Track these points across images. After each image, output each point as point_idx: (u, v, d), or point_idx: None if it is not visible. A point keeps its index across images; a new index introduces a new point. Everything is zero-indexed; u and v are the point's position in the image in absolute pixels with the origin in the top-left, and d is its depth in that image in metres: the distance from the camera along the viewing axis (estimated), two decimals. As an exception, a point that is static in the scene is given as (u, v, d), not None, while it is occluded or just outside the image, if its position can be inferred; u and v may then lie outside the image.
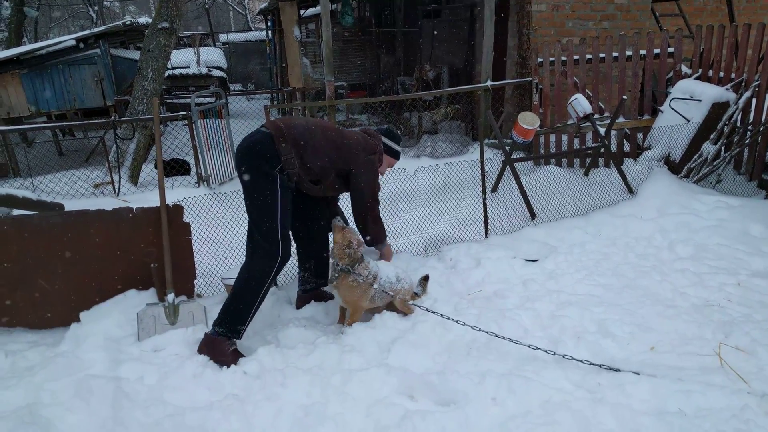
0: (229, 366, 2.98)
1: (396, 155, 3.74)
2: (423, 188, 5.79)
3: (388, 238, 3.76)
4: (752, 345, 2.98)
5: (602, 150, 5.78)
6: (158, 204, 3.59)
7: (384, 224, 3.65)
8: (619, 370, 2.77)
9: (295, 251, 3.69)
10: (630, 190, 5.50)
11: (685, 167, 5.61)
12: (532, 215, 5.15)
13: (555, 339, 3.16)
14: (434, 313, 3.28)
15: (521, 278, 3.99)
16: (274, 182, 3.09)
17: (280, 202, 3.09)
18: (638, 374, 2.72)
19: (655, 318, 3.36)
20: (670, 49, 6.44)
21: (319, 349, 3.12)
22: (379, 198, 3.55)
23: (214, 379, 2.87)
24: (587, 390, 2.68)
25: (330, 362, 2.99)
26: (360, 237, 3.42)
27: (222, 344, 3.09)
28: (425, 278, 3.76)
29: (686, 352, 3.00)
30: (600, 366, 2.78)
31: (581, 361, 2.85)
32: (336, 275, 3.30)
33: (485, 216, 4.84)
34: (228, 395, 2.75)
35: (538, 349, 2.94)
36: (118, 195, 7.01)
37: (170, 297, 3.44)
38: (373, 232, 3.55)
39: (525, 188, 5.19)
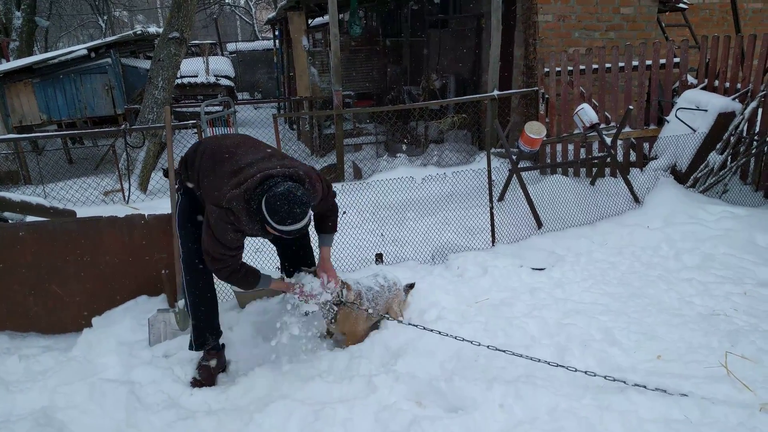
0: (192, 383, 2.98)
1: (273, 229, 2.65)
2: (430, 197, 5.83)
3: (265, 279, 2.97)
4: (758, 354, 2.99)
5: (608, 159, 5.81)
6: (169, 211, 3.66)
7: (246, 277, 2.89)
8: (624, 382, 2.78)
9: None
10: (636, 200, 5.52)
11: (692, 177, 5.62)
12: (539, 224, 5.18)
13: (562, 347, 3.18)
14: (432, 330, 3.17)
15: (528, 286, 4.02)
16: (181, 194, 3.10)
17: (179, 207, 3.08)
18: (644, 387, 2.73)
19: (661, 326, 3.38)
20: (676, 60, 6.47)
21: (328, 355, 3.16)
22: (221, 260, 2.75)
23: (225, 384, 2.91)
24: (594, 397, 2.70)
25: (339, 368, 3.03)
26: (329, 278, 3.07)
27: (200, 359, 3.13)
28: (410, 286, 3.77)
29: (692, 360, 3.01)
30: (605, 377, 2.78)
31: (585, 372, 2.85)
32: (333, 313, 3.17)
33: (492, 225, 4.87)
34: (239, 399, 2.79)
35: (540, 360, 2.92)
36: (127, 202, 7.08)
37: (181, 303, 3.47)
38: (229, 281, 2.93)
39: (531, 197, 5.23)
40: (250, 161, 2.78)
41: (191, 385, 2.95)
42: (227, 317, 3.36)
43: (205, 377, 3.00)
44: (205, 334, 3.11)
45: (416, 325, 3.19)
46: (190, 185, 3.01)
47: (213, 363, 3.09)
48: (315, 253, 3.40)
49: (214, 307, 3.16)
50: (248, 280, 2.89)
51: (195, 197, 3.03)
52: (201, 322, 3.10)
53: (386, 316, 3.35)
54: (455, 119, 9.02)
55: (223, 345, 3.21)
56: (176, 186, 3.12)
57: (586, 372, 2.80)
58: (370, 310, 3.24)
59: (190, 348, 3.13)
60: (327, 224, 3.15)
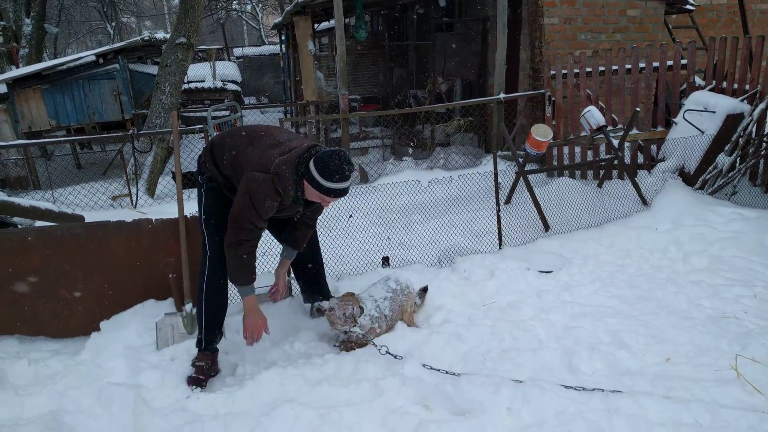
0: (189, 384, 2.98)
1: (318, 187, 2.80)
2: (436, 200, 5.82)
3: (251, 286, 3.01)
4: (769, 357, 2.96)
5: (616, 162, 5.79)
6: (176, 215, 3.67)
7: (247, 268, 2.94)
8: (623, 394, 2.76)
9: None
10: (644, 202, 5.49)
11: (700, 179, 5.59)
12: (546, 227, 5.16)
13: (569, 350, 3.16)
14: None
15: (535, 289, 4.00)
16: (199, 186, 3.16)
17: (204, 203, 3.14)
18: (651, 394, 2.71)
19: (670, 329, 3.35)
20: (684, 61, 6.44)
21: (335, 359, 3.15)
22: (248, 231, 2.84)
23: (233, 387, 2.91)
24: (602, 400, 2.68)
25: (345, 372, 3.02)
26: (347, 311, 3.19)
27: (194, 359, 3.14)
28: (424, 289, 3.78)
29: (702, 363, 2.99)
30: (612, 392, 2.75)
31: (592, 389, 2.82)
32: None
33: (499, 227, 4.86)
34: (246, 403, 2.79)
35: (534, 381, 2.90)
36: (135, 207, 7.12)
37: (188, 307, 3.49)
38: (228, 263, 2.96)
39: (538, 200, 5.21)
40: (287, 138, 3.02)
41: (188, 383, 2.97)
42: (234, 321, 3.36)
43: (200, 375, 3.03)
44: (215, 332, 3.18)
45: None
46: (215, 172, 3.04)
47: (207, 364, 3.10)
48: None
49: (225, 307, 3.26)
50: (248, 270, 2.95)
51: (221, 191, 3.09)
52: (215, 319, 3.17)
53: (378, 345, 3.20)
54: (461, 122, 9.02)
55: (216, 349, 3.23)
56: (200, 181, 3.16)
57: (594, 389, 2.76)
58: (372, 336, 3.26)
59: (198, 346, 3.16)
60: (299, 239, 3.33)
